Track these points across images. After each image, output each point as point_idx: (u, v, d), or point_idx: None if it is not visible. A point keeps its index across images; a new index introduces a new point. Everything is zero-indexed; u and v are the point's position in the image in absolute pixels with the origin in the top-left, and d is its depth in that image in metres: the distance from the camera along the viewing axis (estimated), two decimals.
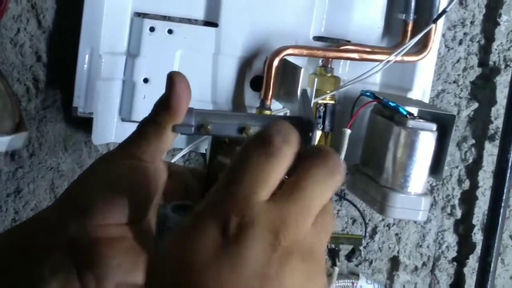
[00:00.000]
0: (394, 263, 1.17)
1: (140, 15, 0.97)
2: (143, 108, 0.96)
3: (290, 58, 0.95)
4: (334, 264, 1.05)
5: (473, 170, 1.16)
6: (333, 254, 1.01)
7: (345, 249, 1.11)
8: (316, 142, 0.52)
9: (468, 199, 1.17)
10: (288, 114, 1.01)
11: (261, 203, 0.42)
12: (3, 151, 0.92)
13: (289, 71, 0.94)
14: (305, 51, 0.96)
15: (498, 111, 1.13)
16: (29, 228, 0.53)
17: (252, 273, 0.40)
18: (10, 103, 0.89)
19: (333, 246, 1.12)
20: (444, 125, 0.94)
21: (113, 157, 0.54)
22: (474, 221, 1.17)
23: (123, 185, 0.51)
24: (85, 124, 0.97)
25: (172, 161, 1.00)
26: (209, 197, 0.43)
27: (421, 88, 1.05)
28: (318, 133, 1.00)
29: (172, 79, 0.52)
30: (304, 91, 0.57)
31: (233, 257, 0.40)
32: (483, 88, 1.13)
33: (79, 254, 0.50)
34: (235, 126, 0.54)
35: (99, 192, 0.51)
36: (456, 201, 1.16)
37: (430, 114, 0.96)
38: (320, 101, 0.99)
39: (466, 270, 1.19)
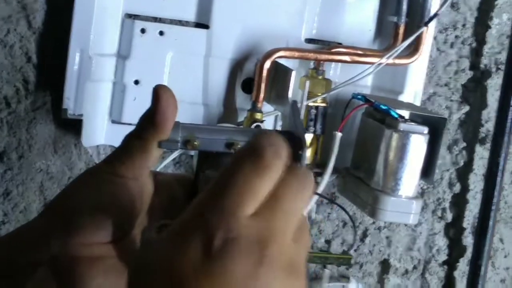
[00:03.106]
0: (385, 266, 1.17)
1: (131, 16, 0.96)
2: (133, 110, 0.96)
3: (281, 61, 0.95)
4: (324, 267, 1.05)
5: (464, 173, 1.16)
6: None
7: (335, 252, 1.10)
8: (306, 159, 0.51)
9: (459, 202, 1.17)
10: (279, 116, 1.01)
11: (247, 217, 0.41)
12: None
13: (280, 74, 0.94)
14: (296, 54, 0.96)
15: (489, 114, 1.13)
16: (13, 243, 0.52)
17: None
18: None
19: (326, 245, 1.11)
20: (435, 128, 0.94)
21: (98, 173, 0.52)
22: (464, 224, 1.17)
23: (107, 204, 0.51)
24: (75, 126, 0.96)
25: (163, 164, 0.99)
26: (193, 209, 0.42)
27: (413, 91, 1.05)
28: (310, 136, 0.99)
29: (158, 92, 0.50)
30: (294, 103, 0.56)
31: (217, 272, 0.40)
32: (474, 91, 1.13)
33: (61, 273, 0.49)
34: (222, 142, 0.52)
35: (82, 211, 0.50)
36: (447, 204, 1.16)
37: (421, 117, 0.96)
38: (311, 104, 0.98)
39: (456, 273, 1.19)
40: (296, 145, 0.50)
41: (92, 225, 0.50)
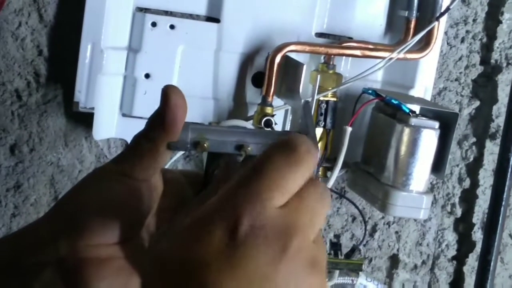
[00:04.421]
0: (394, 261, 1.17)
1: (142, 10, 0.96)
2: (144, 104, 0.96)
3: (292, 55, 0.95)
4: (340, 269, 1.05)
5: (473, 168, 1.15)
6: (336, 248, 1.01)
7: (344, 246, 1.10)
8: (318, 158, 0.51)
9: (469, 197, 1.17)
10: (289, 111, 1.00)
11: (275, 209, 0.41)
12: None
13: (291, 68, 0.94)
14: (307, 48, 0.96)
15: (499, 110, 1.12)
16: (19, 243, 0.51)
17: (257, 277, 0.40)
18: None
19: (335, 240, 1.11)
20: (446, 123, 0.93)
21: (107, 174, 0.51)
22: (474, 220, 1.17)
23: (115, 205, 0.50)
24: (85, 119, 0.97)
25: (173, 159, 0.99)
26: (220, 195, 0.42)
27: (423, 86, 1.05)
28: (320, 130, 0.99)
29: (167, 93, 0.49)
30: (306, 103, 0.55)
31: (240, 259, 0.40)
32: (484, 86, 1.13)
33: (68, 274, 0.48)
34: (233, 144, 0.51)
35: (90, 212, 0.50)
36: (457, 200, 1.16)
37: (432, 112, 0.95)
38: (321, 98, 0.98)
39: (465, 268, 1.19)
40: None
41: (99, 226, 0.49)
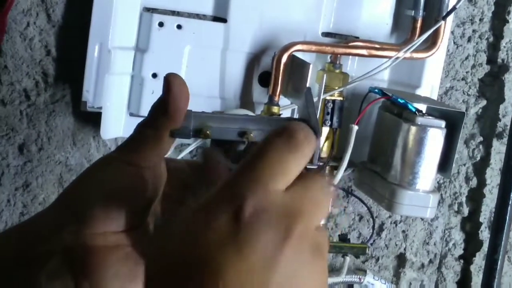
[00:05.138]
0: (401, 260, 1.17)
1: (149, 10, 0.97)
2: (151, 103, 0.95)
3: (298, 54, 0.95)
4: (345, 254, 1.05)
5: (480, 167, 1.15)
6: (345, 242, 1.01)
7: None
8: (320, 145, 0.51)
9: (476, 196, 1.17)
10: (296, 110, 1.01)
11: (279, 193, 0.42)
12: None
13: (297, 67, 0.94)
14: (313, 47, 0.96)
15: (506, 109, 1.12)
16: (25, 234, 0.51)
17: (261, 260, 0.40)
18: None
19: (344, 232, 1.11)
20: (453, 122, 0.94)
21: (111, 162, 0.52)
22: (481, 219, 1.17)
23: (120, 193, 0.50)
24: (93, 119, 0.97)
25: (179, 156, 0.99)
26: (225, 181, 0.43)
27: (430, 85, 1.05)
28: (326, 130, 1.00)
29: (169, 81, 0.50)
30: (308, 91, 0.55)
31: (245, 242, 0.40)
32: (491, 85, 1.13)
33: (75, 262, 0.49)
34: (235, 131, 0.52)
35: (95, 200, 0.50)
36: (464, 199, 1.16)
37: (439, 111, 0.96)
38: (328, 98, 0.99)
39: (472, 267, 1.19)
40: None
41: (104, 214, 0.50)
